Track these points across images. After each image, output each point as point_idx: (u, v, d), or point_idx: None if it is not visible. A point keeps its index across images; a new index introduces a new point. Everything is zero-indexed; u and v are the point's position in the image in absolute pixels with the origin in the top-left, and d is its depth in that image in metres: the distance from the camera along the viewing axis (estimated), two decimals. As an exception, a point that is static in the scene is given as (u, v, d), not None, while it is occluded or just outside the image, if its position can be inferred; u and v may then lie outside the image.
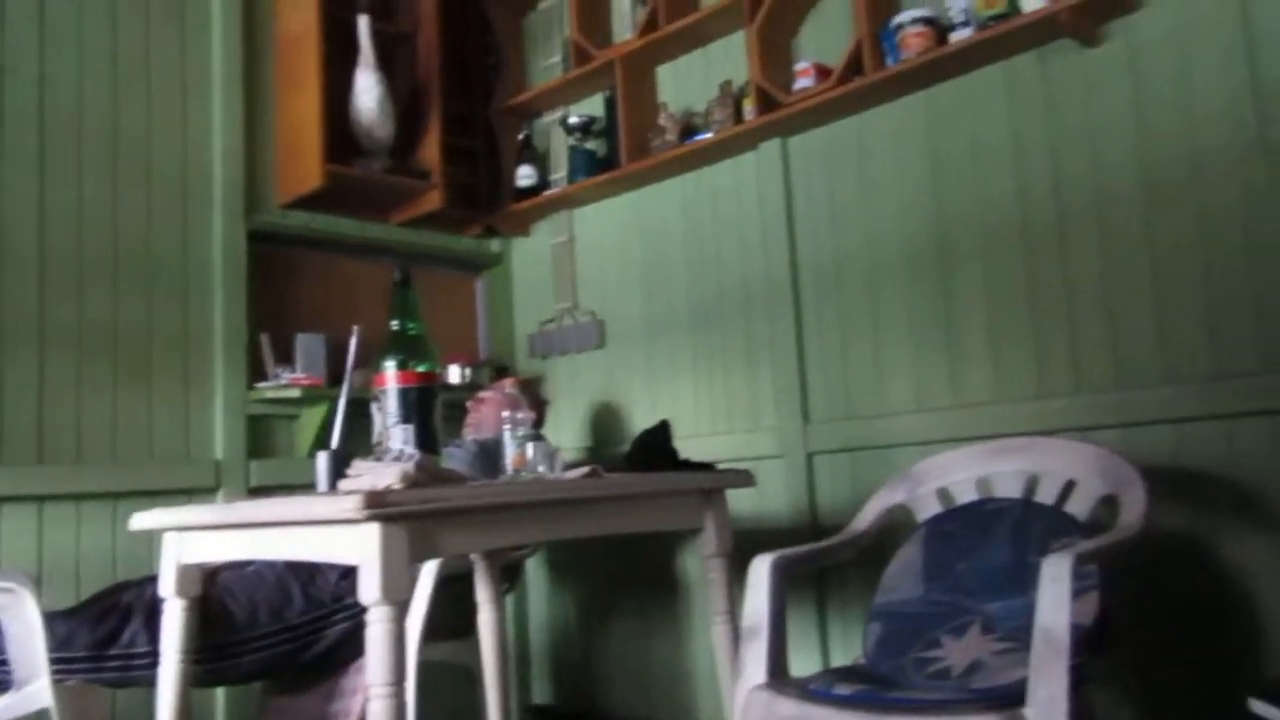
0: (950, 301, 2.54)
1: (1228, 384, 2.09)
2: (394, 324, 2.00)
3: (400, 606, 1.55)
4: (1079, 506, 1.95)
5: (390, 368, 1.94)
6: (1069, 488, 1.98)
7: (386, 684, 1.52)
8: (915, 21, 2.45)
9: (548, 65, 3.50)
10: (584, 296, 3.40)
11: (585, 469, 1.90)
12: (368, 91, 2.97)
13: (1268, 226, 2.06)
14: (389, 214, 3.27)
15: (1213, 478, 2.11)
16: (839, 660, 2.55)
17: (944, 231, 2.55)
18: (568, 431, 3.37)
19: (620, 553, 3.20)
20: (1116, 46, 2.29)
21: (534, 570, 3.46)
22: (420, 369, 1.94)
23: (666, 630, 3.10)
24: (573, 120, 3.24)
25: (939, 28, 2.45)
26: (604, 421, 3.31)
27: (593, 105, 3.33)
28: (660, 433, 2.34)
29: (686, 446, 2.53)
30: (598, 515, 1.93)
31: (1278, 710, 1.12)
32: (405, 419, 1.89)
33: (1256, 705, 1.16)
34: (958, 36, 2.39)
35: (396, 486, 1.58)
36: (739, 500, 2.82)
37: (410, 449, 1.85)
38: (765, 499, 2.84)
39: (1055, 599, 1.55)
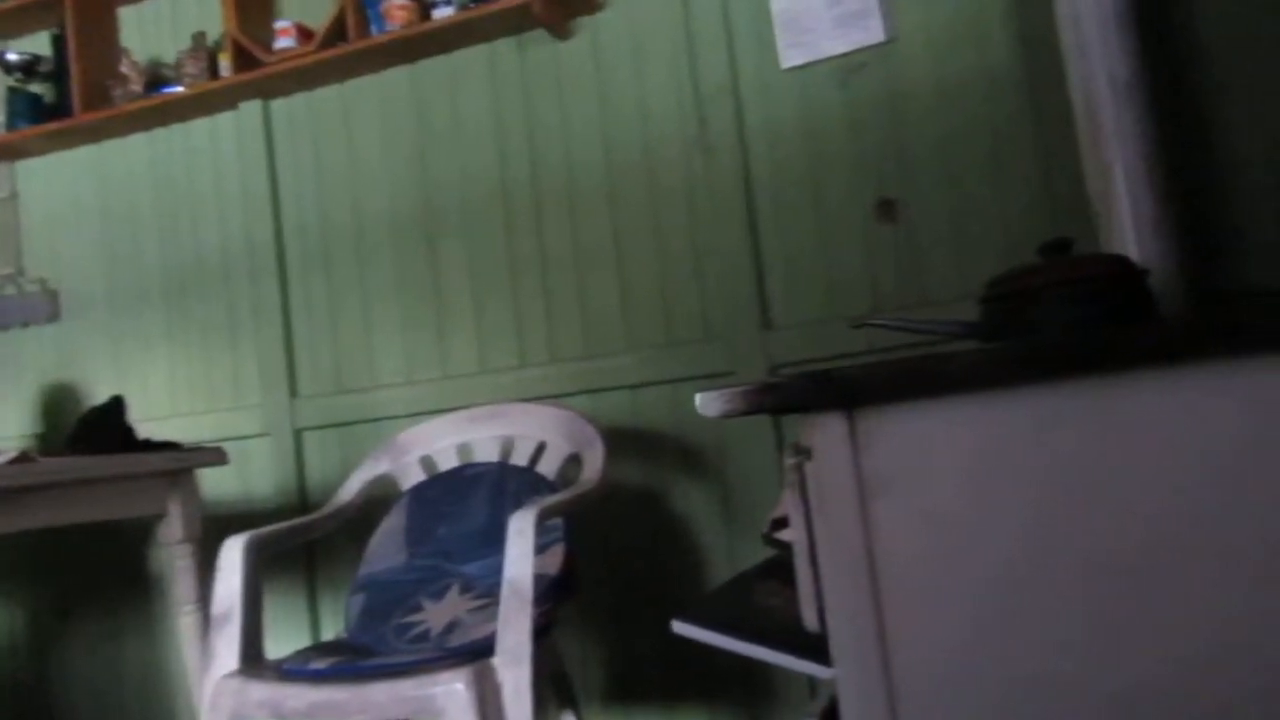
0: (438, 275, 2.58)
1: (675, 352, 2.36)
2: None
3: None
4: (549, 466, 2.09)
5: None
6: (541, 449, 2.12)
7: None
8: (400, -7, 2.45)
9: (-21, -10, 2.98)
10: (31, 263, 2.97)
11: (11, 454, 1.65)
12: None
13: (706, 214, 2.35)
14: None
15: (663, 436, 2.38)
16: (331, 636, 2.49)
17: (431, 205, 2.59)
18: (12, 419, 2.93)
19: (80, 548, 2.84)
20: (584, 42, 2.47)
21: (-31, 581, 2.96)
22: None
23: (140, 630, 2.82)
24: (12, 57, 2.81)
25: (422, 3, 2.47)
26: (59, 405, 2.91)
27: (38, 43, 2.90)
28: (110, 411, 2.10)
29: (161, 428, 2.32)
30: (34, 507, 1.69)
31: (687, 625, 1.29)
32: None
33: (676, 625, 1.32)
34: (440, 14, 2.43)
35: None
36: (221, 483, 2.66)
37: None
38: (251, 480, 2.69)
39: (520, 552, 1.64)
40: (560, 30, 2.45)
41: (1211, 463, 0.81)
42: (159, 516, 1.94)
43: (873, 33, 2.21)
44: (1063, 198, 2.06)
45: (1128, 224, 1.78)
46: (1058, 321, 1.16)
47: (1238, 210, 1.97)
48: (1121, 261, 1.25)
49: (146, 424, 2.59)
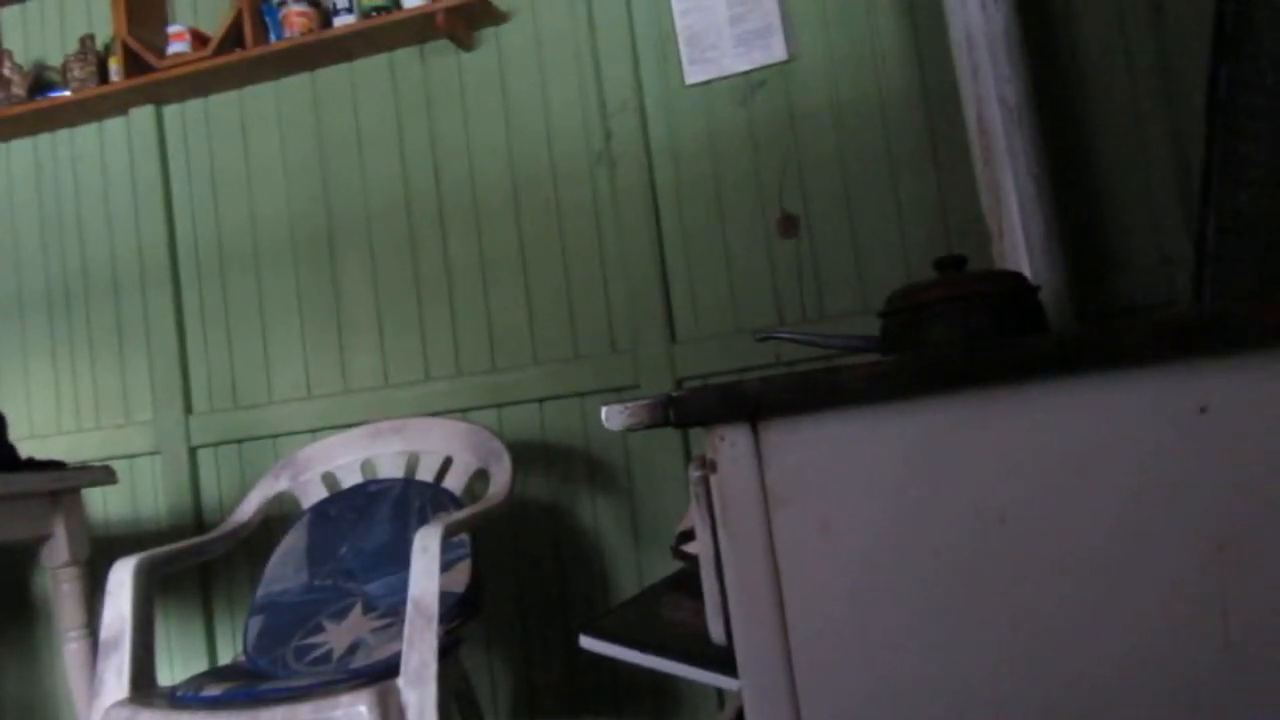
0: (339, 286, 2.54)
1: (582, 365, 2.35)
2: None
3: None
4: (455, 482, 2.06)
5: None
6: (447, 465, 2.09)
7: None
8: (298, 0, 2.40)
9: None
10: (-98, 273, 2.82)
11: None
12: None
13: (611, 228, 2.36)
14: None
15: (571, 450, 2.37)
16: (228, 660, 2.42)
17: (332, 216, 2.54)
18: (-120, 437, 2.76)
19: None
20: (489, 53, 2.46)
21: None
22: None
23: (22, 658, 2.69)
24: (-118, 57, 2.66)
25: (322, 10, 2.43)
26: (-67, 423, 2.76)
27: (-88, 43, 2.76)
28: (-10, 429, 2.01)
29: (45, 446, 2.22)
30: (-97, 532, 1.60)
31: (594, 640, 1.29)
32: None
33: (583, 640, 1.32)
34: (341, 22, 2.39)
35: None
36: (111, 503, 2.56)
37: None
38: (142, 499, 2.59)
39: (425, 570, 1.62)
40: (464, 41, 2.43)
41: (1104, 468, 0.84)
42: (43, 538, 1.86)
43: (774, 51, 2.25)
44: (957, 215, 2.13)
45: (1019, 242, 1.85)
46: (953, 335, 1.20)
47: (1119, 232, 2.06)
48: (1015, 278, 1.29)
49: (29, 442, 2.48)
